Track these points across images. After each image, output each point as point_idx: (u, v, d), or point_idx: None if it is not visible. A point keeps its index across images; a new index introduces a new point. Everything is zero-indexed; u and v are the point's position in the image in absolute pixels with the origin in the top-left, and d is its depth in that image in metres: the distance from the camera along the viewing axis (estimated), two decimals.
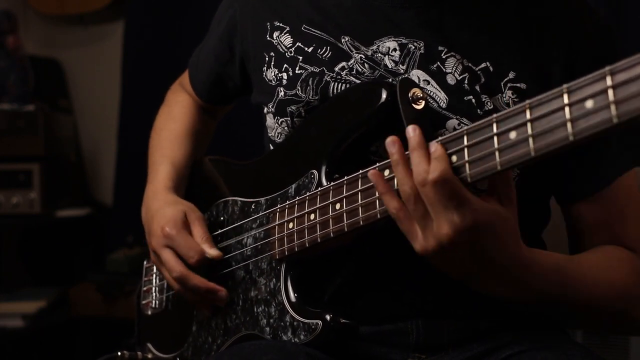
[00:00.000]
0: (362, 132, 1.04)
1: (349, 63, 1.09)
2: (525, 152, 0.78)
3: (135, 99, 3.15)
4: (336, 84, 1.09)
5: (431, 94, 1.04)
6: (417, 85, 1.01)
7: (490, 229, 0.86)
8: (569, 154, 1.04)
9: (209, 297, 1.16)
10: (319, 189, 1.04)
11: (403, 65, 1.07)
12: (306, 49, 1.12)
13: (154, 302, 1.35)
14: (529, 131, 0.78)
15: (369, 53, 1.08)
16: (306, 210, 1.04)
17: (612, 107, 0.71)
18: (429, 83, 1.05)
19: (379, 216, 0.93)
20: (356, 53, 1.09)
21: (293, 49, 1.14)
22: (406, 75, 1.06)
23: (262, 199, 1.14)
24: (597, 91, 0.72)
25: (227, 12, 1.28)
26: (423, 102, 0.99)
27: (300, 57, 1.12)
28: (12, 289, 2.95)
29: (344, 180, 0.99)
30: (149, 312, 1.36)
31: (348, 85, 1.08)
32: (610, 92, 0.71)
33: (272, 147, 1.19)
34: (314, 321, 1.02)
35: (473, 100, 1.04)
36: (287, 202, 1.08)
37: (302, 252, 1.05)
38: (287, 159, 1.14)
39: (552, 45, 1.05)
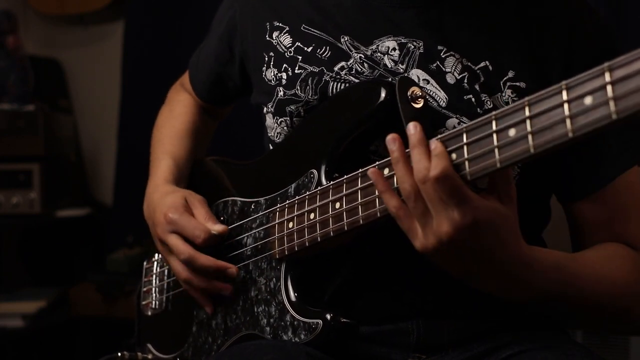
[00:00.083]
0: (362, 131, 1.04)
1: (349, 63, 1.09)
2: (524, 149, 0.78)
3: (135, 99, 3.16)
4: (335, 83, 1.09)
5: (431, 93, 1.04)
6: (416, 84, 1.01)
7: (490, 227, 0.86)
8: (569, 153, 1.04)
9: (220, 277, 1.14)
10: (319, 188, 1.04)
11: (402, 64, 1.07)
12: (305, 48, 1.12)
13: (154, 302, 1.35)
14: (528, 128, 0.78)
15: (369, 53, 1.08)
16: (306, 210, 1.04)
17: (611, 104, 0.71)
18: (428, 82, 1.05)
19: (378, 215, 0.93)
20: (355, 53, 1.09)
21: (292, 48, 1.14)
22: (406, 75, 1.06)
23: (262, 199, 1.14)
24: (596, 87, 0.72)
25: (227, 13, 1.28)
26: (422, 101, 0.99)
27: (300, 57, 1.12)
28: (12, 289, 2.95)
29: (343, 179, 0.99)
30: (149, 313, 1.36)
31: (347, 85, 1.08)
32: (609, 88, 0.71)
33: (271, 147, 1.19)
34: (314, 321, 1.01)
35: (473, 99, 1.04)
36: (287, 202, 1.08)
37: (302, 251, 1.04)
38: (287, 159, 1.14)
39: (552, 44, 1.05)
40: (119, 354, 1.30)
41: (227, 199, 1.22)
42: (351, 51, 1.09)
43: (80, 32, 3.40)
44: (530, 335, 1.06)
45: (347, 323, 1.01)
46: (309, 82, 1.11)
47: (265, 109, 1.17)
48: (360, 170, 0.97)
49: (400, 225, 0.89)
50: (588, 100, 0.73)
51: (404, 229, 0.89)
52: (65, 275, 3.13)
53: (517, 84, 1.04)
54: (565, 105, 0.75)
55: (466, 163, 0.84)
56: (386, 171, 0.92)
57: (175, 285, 1.29)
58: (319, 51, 1.11)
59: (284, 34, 1.15)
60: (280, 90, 1.14)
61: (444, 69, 1.05)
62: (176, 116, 1.39)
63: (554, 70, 1.05)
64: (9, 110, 2.81)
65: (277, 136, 1.17)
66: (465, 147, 0.84)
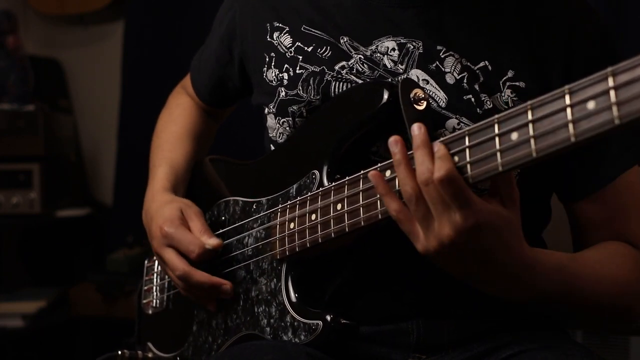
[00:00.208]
0: (364, 133, 1.04)
1: (349, 63, 1.09)
2: (526, 153, 0.78)
3: (135, 99, 3.15)
4: (337, 83, 1.09)
5: (430, 93, 1.04)
6: (419, 86, 1.01)
7: (492, 231, 0.86)
8: (570, 154, 1.04)
9: (214, 292, 1.15)
10: (320, 189, 1.04)
11: (402, 65, 1.07)
12: (306, 48, 1.12)
13: (154, 301, 1.35)
14: (531, 132, 0.78)
15: (368, 53, 1.08)
16: (307, 210, 1.04)
17: (614, 109, 0.71)
18: (428, 82, 1.05)
19: (380, 217, 0.93)
20: (355, 53, 1.09)
21: (293, 48, 1.14)
22: (405, 75, 1.06)
23: (264, 199, 1.15)
24: (599, 92, 0.72)
25: (227, 14, 1.28)
26: (425, 103, 0.99)
27: (300, 57, 1.12)
28: (12, 289, 2.95)
29: (345, 181, 0.99)
30: (150, 312, 1.36)
31: (349, 84, 1.08)
32: (612, 93, 0.71)
33: (273, 148, 1.19)
34: (315, 321, 1.02)
35: (472, 100, 1.04)
36: (289, 202, 1.08)
37: (303, 252, 1.05)
38: (289, 159, 1.14)
39: (552, 44, 1.05)
40: (119, 353, 1.30)
41: (229, 198, 1.22)
42: (351, 52, 1.09)
43: (80, 32, 3.40)
44: (530, 335, 1.06)
45: (347, 324, 1.01)
46: (311, 82, 1.11)
47: (266, 109, 1.17)
48: (361, 171, 0.97)
49: (401, 228, 0.90)
50: (591, 104, 0.73)
51: (405, 232, 0.89)
52: (65, 275, 3.13)
53: (517, 83, 1.04)
54: (568, 110, 0.75)
55: (468, 166, 0.84)
56: (387, 173, 0.92)
57: None
58: (320, 51, 1.11)
59: (284, 34, 1.15)
60: (282, 91, 1.14)
61: (443, 69, 1.05)
62: (175, 120, 1.39)
63: (553, 70, 1.05)
64: (9, 110, 2.81)
65: (279, 136, 1.17)
66: (467, 150, 0.84)
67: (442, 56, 1.05)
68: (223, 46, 1.28)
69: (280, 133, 1.16)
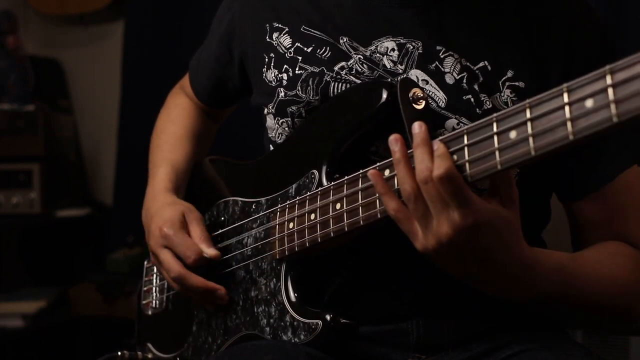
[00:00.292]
0: (363, 132, 1.04)
1: (349, 63, 1.09)
2: (525, 151, 0.78)
3: (135, 99, 3.16)
4: (336, 83, 1.09)
5: (430, 93, 1.04)
6: (418, 86, 1.01)
7: (491, 230, 0.86)
8: (569, 153, 1.04)
9: (209, 296, 1.16)
10: (320, 188, 1.04)
11: (401, 65, 1.07)
12: (305, 49, 1.12)
13: (154, 302, 1.35)
14: (529, 130, 0.78)
15: (368, 53, 1.08)
16: (306, 210, 1.04)
17: (612, 106, 0.71)
18: (427, 83, 1.05)
19: (379, 216, 0.93)
20: (355, 53, 1.09)
21: (292, 49, 1.14)
22: (405, 75, 1.06)
23: (263, 199, 1.15)
24: (597, 90, 0.72)
25: (227, 13, 1.28)
26: (423, 102, 0.99)
27: (300, 58, 1.12)
28: (12, 289, 2.95)
29: (344, 180, 0.99)
30: (150, 312, 1.36)
31: (348, 85, 1.08)
32: (610, 90, 0.71)
33: (272, 148, 1.19)
34: (314, 321, 1.02)
35: (472, 100, 1.04)
36: (288, 202, 1.08)
37: (303, 251, 1.05)
38: (288, 159, 1.14)
39: (552, 44, 1.05)
40: (119, 353, 1.30)
41: (228, 198, 1.22)
42: (350, 52, 1.09)
43: (80, 32, 3.40)
44: (530, 335, 1.06)
45: (346, 323, 1.01)
46: (310, 82, 1.11)
47: (265, 110, 1.17)
48: (360, 171, 0.97)
49: (400, 227, 0.90)
50: (589, 102, 0.73)
51: (404, 231, 0.89)
52: (65, 275, 3.14)
53: (516, 83, 1.04)
54: (567, 108, 0.75)
55: (467, 165, 0.84)
56: (387, 172, 0.92)
57: None
58: (319, 51, 1.11)
59: (283, 34, 1.15)
60: (281, 91, 1.14)
61: (442, 69, 1.05)
62: (174, 121, 1.39)
63: (553, 70, 1.05)
64: (9, 110, 2.81)
65: (278, 137, 1.17)
66: (466, 149, 0.84)
67: (442, 56, 1.05)
68: (222, 46, 1.28)
69: (279, 133, 1.16)
